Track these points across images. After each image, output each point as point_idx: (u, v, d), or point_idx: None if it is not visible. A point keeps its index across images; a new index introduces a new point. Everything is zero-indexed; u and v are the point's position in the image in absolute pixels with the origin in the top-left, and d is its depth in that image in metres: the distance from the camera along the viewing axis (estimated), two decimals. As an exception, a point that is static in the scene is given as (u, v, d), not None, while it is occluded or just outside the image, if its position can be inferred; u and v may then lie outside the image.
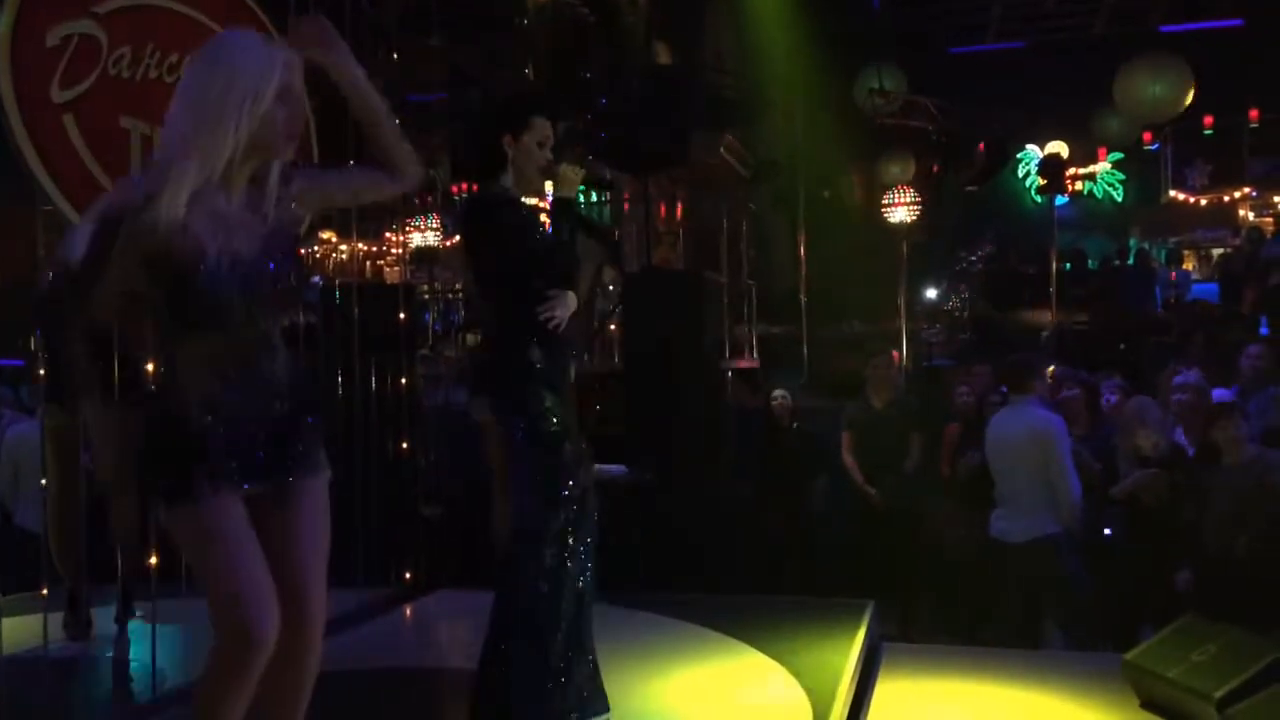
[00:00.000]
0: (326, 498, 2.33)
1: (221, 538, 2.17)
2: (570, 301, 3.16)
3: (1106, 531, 5.25)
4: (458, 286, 11.99)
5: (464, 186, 11.71)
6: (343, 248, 11.23)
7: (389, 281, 12.06)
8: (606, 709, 3.21)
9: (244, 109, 2.10)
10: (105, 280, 2.13)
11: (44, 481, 3.92)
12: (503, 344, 3.16)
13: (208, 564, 2.19)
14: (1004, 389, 5.78)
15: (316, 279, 9.54)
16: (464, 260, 3.27)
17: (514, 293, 3.12)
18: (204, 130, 2.11)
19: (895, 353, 9.02)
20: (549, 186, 3.32)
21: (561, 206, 3.19)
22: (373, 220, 11.46)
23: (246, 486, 2.22)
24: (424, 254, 12.40)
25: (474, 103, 9.54)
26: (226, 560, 2.16)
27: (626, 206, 9.98)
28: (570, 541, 3.10)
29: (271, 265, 2.20)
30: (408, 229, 12.24)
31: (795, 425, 7.17)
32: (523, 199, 3.26)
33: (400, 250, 12.91)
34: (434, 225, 12.20)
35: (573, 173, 3.20)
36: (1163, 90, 11.09)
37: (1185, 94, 11.13)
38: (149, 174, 2.18)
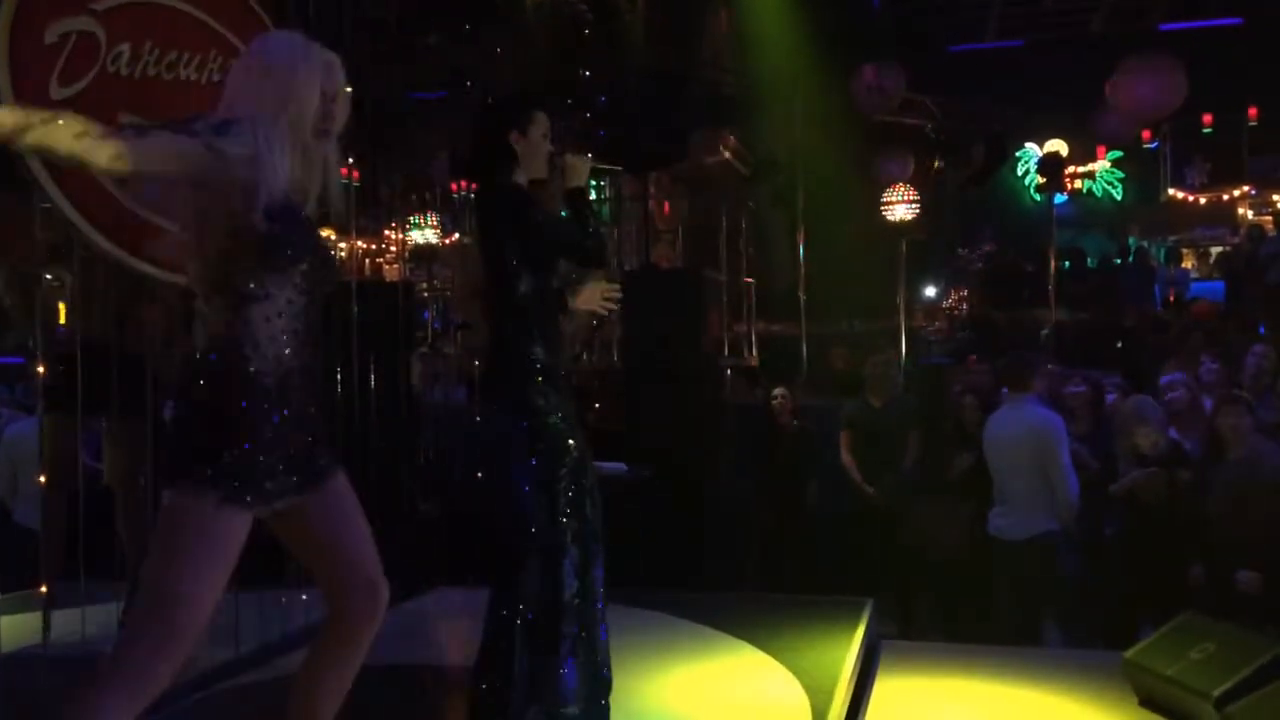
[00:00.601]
0: (352, 490, 2.47)
1: (219, 549, 2.18)
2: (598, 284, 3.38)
3: (1108, 530, 5.26)
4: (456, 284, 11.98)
5: (462, 185, 11.72)
6: (342, 245, 11.21)
7: (388, 279, 12.07)
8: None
9: (285, 107, 2.26)
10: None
11: (42, 479, 3.92)
12: (504, 342, 3.17)
13: (185, 560, 2.17)
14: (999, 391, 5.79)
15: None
16: (477, 255, 3.26)
17: (534, 282, 3.12)
18: (263, 118, 2.23)
19: (894, 351, 9.04)
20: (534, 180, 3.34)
21: (579, 196, 3.21)
22: (372, 219, 11.46)
23: (273, 504, 2.27)
24: (423, 252, 12.41)
25: (474, 101, 9.54)
26: (206, 568, 2.17)
27: (668, 206, 9.97)
28: (578, 540, 3.10)
29: (318, 238, 2.38)
30: (407, 227, 12.25)
31: (796, 424, 7.17)
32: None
33: (399, 248, 12.91)
34: (433, 223, 12.20)
35: (581, 162, 3.23)
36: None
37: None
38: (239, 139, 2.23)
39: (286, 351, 2.25)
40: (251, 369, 2.22)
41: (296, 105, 2.26)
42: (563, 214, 3.27)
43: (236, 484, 2.18)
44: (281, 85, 2.26)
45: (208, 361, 2.26)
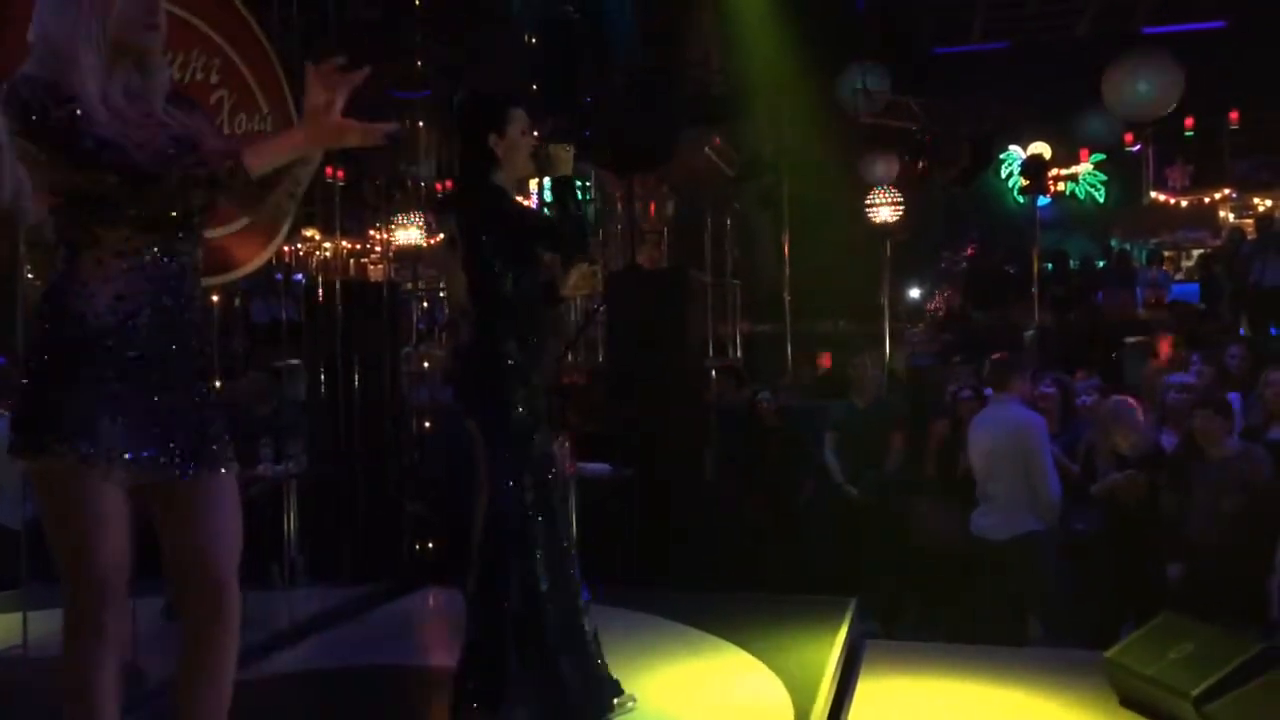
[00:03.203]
0: (235, 489, 2.32)
1: (95, 514, 2.10)
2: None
3: (1079, 527, 5.29)
4: (442, 284, 11.95)
5: (447, 184, 11.69)
6: (326, 245, 11.19)
7: (373, 279, 12.04)
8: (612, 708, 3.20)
9: (95, 8, 2.12)
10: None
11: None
12: (481, 340, 3.17)
13: (71, 537, 2.13)
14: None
15: (299, 276, 9.51)
16: (457, 255, 3.26)
17: (516, 281, 3.12)
18: (65, 36, 2.11)
19: (878, 353, 9.07)
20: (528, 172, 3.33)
21: (563, 185, 3.22)
22: (356, 218, 11.43)
23: (149, 473, 2.15)
24: (408, 252, 12.37)
25: (458, 101, 9.51)
26: (94, 540, 2.11)
27: (653, 207, 9.94)
28: (548, 539, 3.10)
29: (172, 152, 2.17)
30: (392, 227, 12.22)
31: (779, 425, 7.19)
32: (516, 195, 3.30)
33: (384, 248, 12.87)
34: (418, 223, 12.16)
35: (563, 151, 3.21)
36: (1149, 89, 11.16)
37: (1173, 93, 11.18)
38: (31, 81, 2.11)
39: (125, 289, 2.12)
40: (76, 310, 2.10)
41: (105, 8, 2.12)
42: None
43: (76, 445, 2.07)
44: None
45: (37, 315, 2.18)
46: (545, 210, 3.30)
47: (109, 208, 2.11)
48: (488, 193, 3.16)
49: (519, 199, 3.46)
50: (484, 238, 3.13)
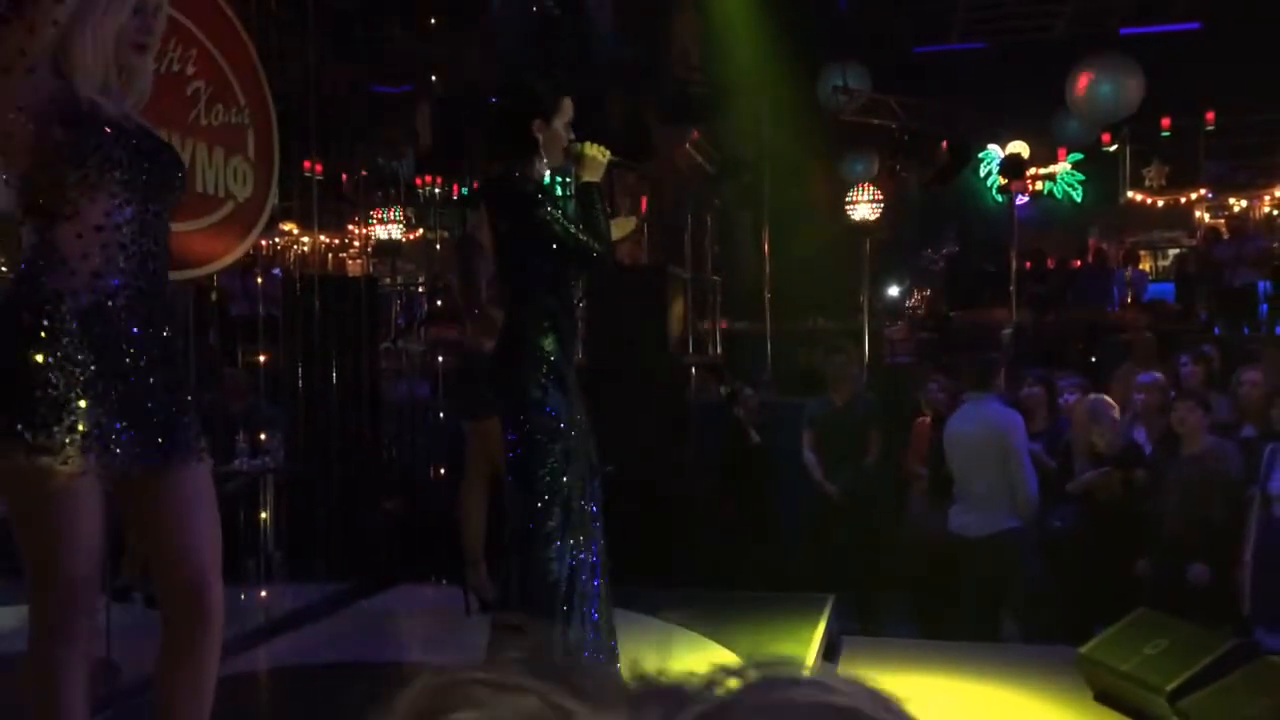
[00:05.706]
0: (211, 484, 2.24)
1: (65, 514, 2.01)
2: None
3: (1057, 523, 5.32)
4: (420, 279, 11.91)
5: (427, 179, 11.66)
6: (304, 240, 11.14)
7: (351, 274, 12.00)
8: None
9: (99, 14, 2.12)
10: None
11: None
12: (514, 336, 3.10)
13: (39, 539, 2.05)
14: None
15: (277, 271, 9.44)
16: (489, 248, 3.17)
17: (548, 276, 3.04)
18: (71, 35, 2.10)
19: (856, 350, 9.09)
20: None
21: (589, 191, 3.08)
22: (335, 213, 11.38)
23: (125, 462, 2.05)
24: (386, 247, 12.33)
25: (437, 95, 9.48)
26: (64, 544, 2.03)
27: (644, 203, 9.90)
28: (568, 539, 3.00)
29: (150, 143, 2.17)
30: (370, 221, 12.18)
31: (759, 421, 7.20)
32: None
33: (363, 243, 12.82)
34: (397, 218, 12.13)
35: (600, 153, 3.07)
36: (1110, 91, 11.27)
37: (1135, 95, 11.28)
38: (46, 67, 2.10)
39: (102, 267, 2.05)
40: (54, 288, 2.02)
41: (105, 10, 2.12)
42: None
43: (52, 435, 1.97)
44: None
45: (9, 288, 2.11)
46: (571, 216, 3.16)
47: (93, 172, 2.05)
48: (520, 190, 3.03)
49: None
50: (518, 236, 3.02)
